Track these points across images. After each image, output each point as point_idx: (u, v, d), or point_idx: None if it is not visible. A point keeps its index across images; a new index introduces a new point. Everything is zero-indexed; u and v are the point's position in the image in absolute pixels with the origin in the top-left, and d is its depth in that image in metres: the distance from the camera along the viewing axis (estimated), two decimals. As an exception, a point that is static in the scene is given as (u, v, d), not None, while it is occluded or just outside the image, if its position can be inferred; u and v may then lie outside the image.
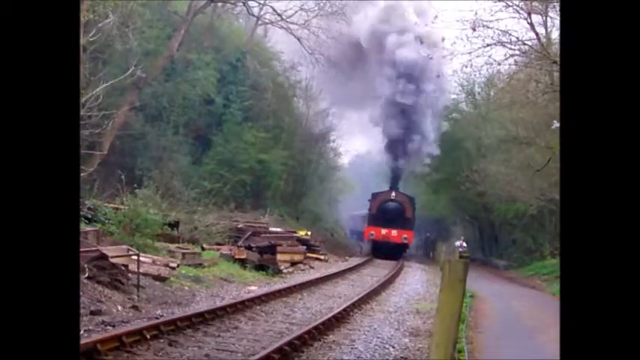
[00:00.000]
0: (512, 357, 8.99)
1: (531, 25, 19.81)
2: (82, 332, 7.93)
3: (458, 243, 31.82)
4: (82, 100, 15.63)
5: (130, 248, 13.61)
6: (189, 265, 15.90)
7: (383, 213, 37.13)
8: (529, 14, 19.51)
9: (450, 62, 26.80)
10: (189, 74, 32.05)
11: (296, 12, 33.33)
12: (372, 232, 36.78)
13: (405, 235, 36.17)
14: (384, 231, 36.02)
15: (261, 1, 34.27)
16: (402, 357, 9.01)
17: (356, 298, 14.15)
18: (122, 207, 17.83)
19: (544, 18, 21.32)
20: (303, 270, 21.55)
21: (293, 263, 21.84)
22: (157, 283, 12.99)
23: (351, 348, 9.08)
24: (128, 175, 20.01)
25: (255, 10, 35.49)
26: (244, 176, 33.83)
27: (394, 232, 35.89)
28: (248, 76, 35.82)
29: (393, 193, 38.23)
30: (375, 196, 39.04)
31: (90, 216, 17.78)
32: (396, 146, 39.47)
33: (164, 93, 30.51)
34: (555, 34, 21.49)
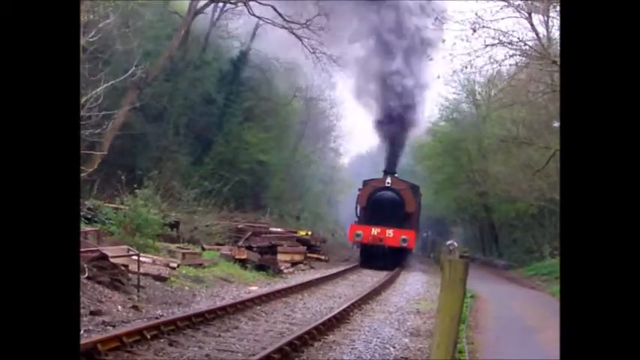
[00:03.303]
0: (513, 357, 8.99)
1: (532, 25, 19.85)
2: (82, 332, 7.92)
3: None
4: (82, 100, 15.63)
5: (130, 248, 13.61)
6: (190, 265, 15.90)
7: (374, 206, 27.73)
8: (529, 14, 19.54)
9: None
10: (189, 74, 32.08)
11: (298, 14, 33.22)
12: (359, 231, 26.96)
13: (404, 237, 26.45)
14: (375, 230, 26.52)
15: (263, 1, 34.24)
16: (402, 357, 9.00)
17: (356, 299, 14.14)
18: (122, 207, 17.84)
19: (544, 18, 21.33)
20: (303, 270, 21.55)
21: (293, 263, 21.85)
22: (157, 283, 12.99)
23: (352, 348, 9.08)
24: (128, 175, 20.00)
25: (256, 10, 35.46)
26: (245, 176, 33.85)
27: (389, 233, 26.40)
28: (248, 76, 35.83)
29: (389, 180, 28.28)
30: (365, 184, 29.70)
31: (90, 216, 17.80)
32: (390, 112, 30.06)
33: (164, 93, 30.54)
34: (556, 34, 21.52)
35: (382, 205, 27.49)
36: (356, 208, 29.40)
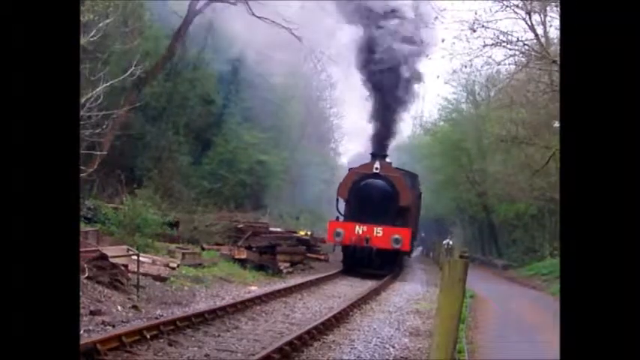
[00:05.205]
0: (512, 357, 8.99)
1: (530, 25, 19.85)
2: (82, 332, 7.92)
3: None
4: (82, 100, 15.63)
5: (130, 248, 13.62)
6: (189, 265, 15.90)
7: (359, 198, 22.35)
8: (528, 14, 19.54)
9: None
10: (188, 74, 32.09)
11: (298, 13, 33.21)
12: (340, 229, 21.92)
13: (396, 236, 21.37)
14: (360, 229, 21.56)
15: (263, 1, 34.25)
16: (402, 357, 9.01)
17: (356, 298, 14.16)
18: (122, 207, 17.86)
19: (543, 18, 21.36)
20: (303, 270, 21.53)
21: (293, 263, 21.81)
22: (157, 283, 12.99)
23: (351, 348, 9.08)
24: (128, 175, 20.05)
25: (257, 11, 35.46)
26: (244, 176, 33.85)
27: (378, 231, 21.39)
28: (248, 76, 35.84)
29: (377, 165, 22.52)
30: (350, 171, 24.30)
31: (90, 216, 17.82)
32: (380, 82, 23.95)
33: (164, 93, 30.53)
34: (554, 34, 21.55)
35: (369, 196, 22.13)
36: (337, 201, 24.02)
